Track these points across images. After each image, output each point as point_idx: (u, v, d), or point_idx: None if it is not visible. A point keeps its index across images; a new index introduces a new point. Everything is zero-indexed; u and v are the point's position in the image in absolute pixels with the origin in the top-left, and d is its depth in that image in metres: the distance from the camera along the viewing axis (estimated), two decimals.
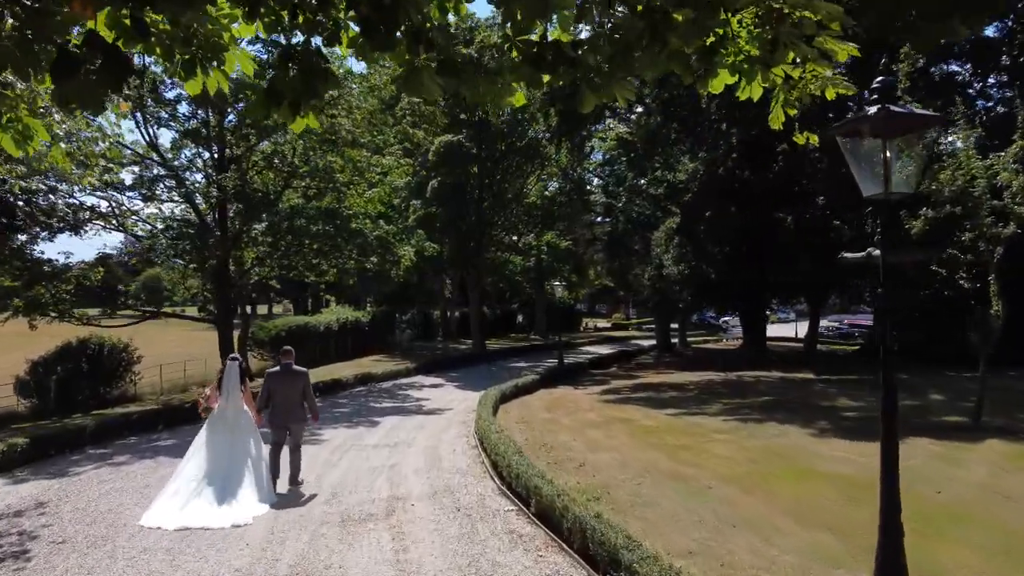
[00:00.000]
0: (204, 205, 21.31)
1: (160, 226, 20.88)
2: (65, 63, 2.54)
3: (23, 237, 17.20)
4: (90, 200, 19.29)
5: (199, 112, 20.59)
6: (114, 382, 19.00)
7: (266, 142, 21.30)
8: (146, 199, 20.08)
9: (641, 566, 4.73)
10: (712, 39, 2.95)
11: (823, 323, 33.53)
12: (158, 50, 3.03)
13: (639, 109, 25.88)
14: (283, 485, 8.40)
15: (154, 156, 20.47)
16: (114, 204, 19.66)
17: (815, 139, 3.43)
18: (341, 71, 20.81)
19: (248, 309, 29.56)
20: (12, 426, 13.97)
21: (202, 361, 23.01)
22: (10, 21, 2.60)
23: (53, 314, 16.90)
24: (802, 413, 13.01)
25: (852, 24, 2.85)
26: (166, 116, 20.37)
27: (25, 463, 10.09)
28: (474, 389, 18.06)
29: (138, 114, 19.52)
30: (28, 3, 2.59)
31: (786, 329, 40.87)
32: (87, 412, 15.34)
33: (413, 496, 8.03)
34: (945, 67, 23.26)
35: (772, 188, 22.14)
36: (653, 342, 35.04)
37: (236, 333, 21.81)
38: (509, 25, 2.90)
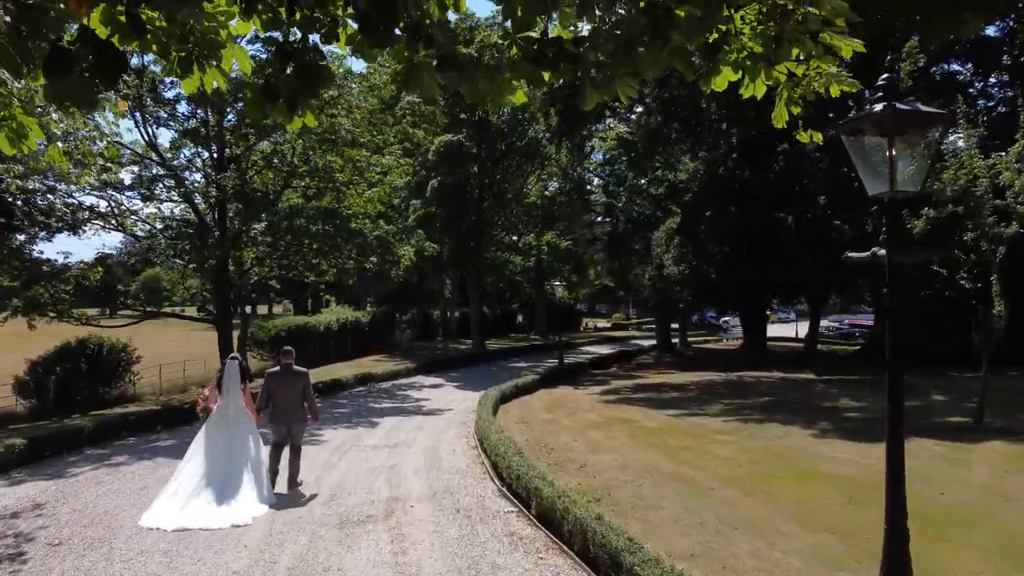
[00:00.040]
0: (203, 205, 21.26)
1: (159, 226, 20.83)
2: (58, 60, 2.49)
3: (22, 237, 17.15)
4: (89, 200, 19.24)
5: (198, 111, 20.55)
6: (113, 382, 18.95)
7: (265, 142, 21.26)
8: (145, 199, 20.03)
9: (643, 569, 4.69)
10: (715, 36, 2.91)
11: (823, 323, 33.51)
12: (154, 47, 2.98)
13: (639, 109, 25.87)
14: (282, 486, 8.36)
15: (153, 156, 20.42)
16: (113, 204, 19.63)
17: (819, 137, 3.38)
18: (341, 71, 20.75)
19: (248, 309, 29.48)
20: (10, 427, 13.92)
21: (201, 361, 22.96)
22: (4, 17, 2.56)
23: (52, 314, 16.86)
24: (803, 414, 12.97)
25: (858, 20, 2.80)
26: (165, 115, 20.33)
27: (23, 464, 10.04)
28: (474, 389, 18.02)
29: (137, 113, 19.48)
30: None
31: (786, 329, 40.85)
32: (86, 412, 15.28)
33: (412, 497, 7.99)
34: (946, 66, 23.25)
35: (773, 188, 22.12)
36: (653, 342, 35.02)
37: (236, 333, 21.76)
38: (509, 22, 2.86)
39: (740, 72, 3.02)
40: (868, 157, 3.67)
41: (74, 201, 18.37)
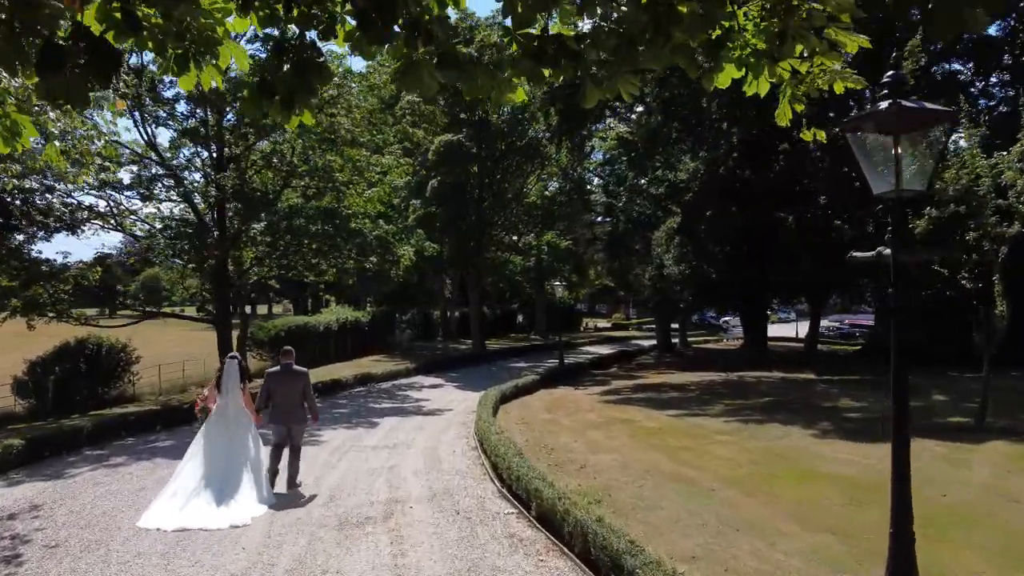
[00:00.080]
0: (203, 204, 21.22)
1: (159, 226, 20.79)
2: (51, 56, 2.46)
3: (20, 237, 17.12)
4: (88, 199, 19.22)
5: (197, 111, 20.52)
6: (112, 382, 18.94)
7: (265, 141, 21.21)
8: (144, 198, 20.02)
9: (644, 572, 4.65)
10: (718, 32, 2.87)
11: (824, 323, 33.48)
12: (150, 44, 2.94)
13: (639, 108, 25.82)
14: (281, 486, 8.33)
15: (152, 155, 20.38)
16: (112, 203, 19.62)
17: (822, 135, 3.35)
18: (340, 70, 20.69)
19: (247, 309, 29.43)
20: (8, 427, 13.88)
21: (201, 361, 22.93)
22: None
23: (51, 314, 16.82)
24: (804, 414, 12.94)
25: (863, 15, 2.77)
26: (164, 115, 20.31)
27: (20, 465, 9.99)
28: (474, 389, 17.98)
29: (136, 113, 19.45)
30: None
31: (787, 329, 40.79)
32: (85, 413, 15.25)
33: (412, 498, 7.95)
34: (947, 66, 23.21)
35: (773, 187, 22.08)
36: (653, 342, 34.98)
37: (235, 333, 21.72)
38: (510, 19, 2.82)
39: (743, 69, 2.98)
40: (873, 155, 3.64)
41: (73, 201, 18.38)
